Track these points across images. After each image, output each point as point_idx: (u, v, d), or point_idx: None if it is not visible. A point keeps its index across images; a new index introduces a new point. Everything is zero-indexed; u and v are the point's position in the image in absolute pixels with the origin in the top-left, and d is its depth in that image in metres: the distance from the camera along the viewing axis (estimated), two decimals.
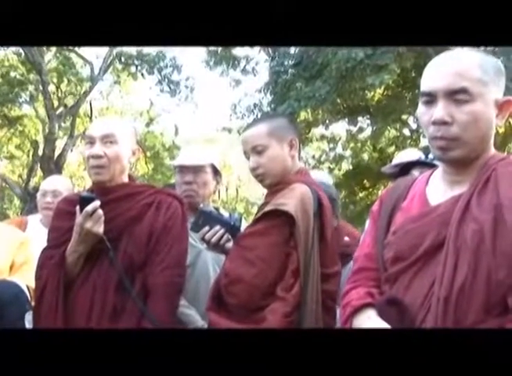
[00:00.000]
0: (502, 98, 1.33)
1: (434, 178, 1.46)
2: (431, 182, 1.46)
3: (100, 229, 1.96)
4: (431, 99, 1.31)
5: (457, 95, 1.27)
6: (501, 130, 11.80)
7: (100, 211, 1.96)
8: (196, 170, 2.53)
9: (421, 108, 1.36)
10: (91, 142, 2.03)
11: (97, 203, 1.95)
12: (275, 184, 1.95)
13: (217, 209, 2.69)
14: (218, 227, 2.00)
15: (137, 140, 2.21)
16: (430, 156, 2.32)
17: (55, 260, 2.02)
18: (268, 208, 1.84)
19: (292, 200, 1.80)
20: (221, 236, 2.00)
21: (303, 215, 1.78)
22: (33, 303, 2.22)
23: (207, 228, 2.01)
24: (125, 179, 2.13)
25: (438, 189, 1.41)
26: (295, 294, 1.73)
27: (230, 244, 2.00)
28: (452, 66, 1.30)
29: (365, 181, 14.87)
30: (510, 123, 11.32)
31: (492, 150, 1.38)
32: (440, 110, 1.28)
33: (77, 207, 1.97)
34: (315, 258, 1.80)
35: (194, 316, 2.26)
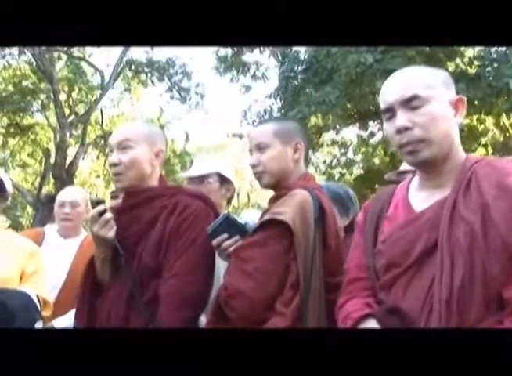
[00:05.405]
0: (455, 97, 1.44)
1: (414, 185, 1.53)
2: (412, 190, 1.53)
3: (109, 233, 1.92)
4: (391, 113, 1.43)
5: (411, 103, 1.38)
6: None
7: (108, 215, 1.93)
8: (201, 180, 2.57)
9: (385, 125, 1.47)
10: (111, 150, 2.04)
11: (102, 206, 1.93)
12: (273, 185, 1.92)
13: None
14: (237, 237, 1.90)
15: (160, 141, 2.13)
16: None
17: (86, 267, 2.07)
18: (265, 218, 1.78)
19: (290, 208, 1.74)
20: None
21: (302, 224, 1.72)
22: (43, 313, 2.23)
23: (225, 235, 1.90)
24: (153, 183, 2.08)
25: (420, 195, 1.48)
26: (294, 308, 1.67)
27: None
28: (400, 80, 1.44)
29: (376, 185, 14.79)
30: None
31: (463, 153, 1.46)
32: (400, 119, 1.39)
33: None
34: (318, 267, 1.74)
35: None
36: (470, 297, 1.26)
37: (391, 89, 1.44)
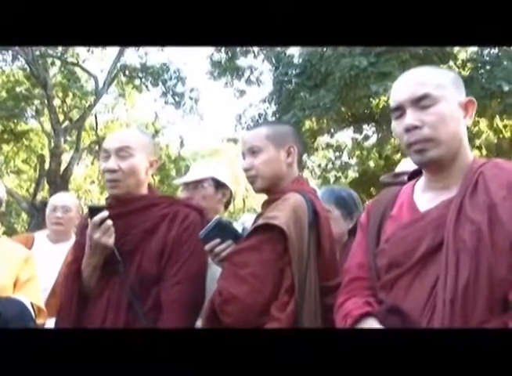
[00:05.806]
0: (465, 98, 1.44)
1: (419, 186, 1.53)
2: (417, 191, 1.52)
3: (109, 240, 1.90)
4: (401, 112, 1.43)
5: (422, 102, 1.38)
6: (507, 134, 11.77)
7: (109, 222, 1.91)
8: (195, 186, 2.56)
9: (394, 123, 1.46)
10: (106, 155, 2.00)
11: (105, 213, 1.91)
12: (266, 189, 1.90)
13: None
14: (230, 241, 1.87)
15: (155, 151, 2.16)
16: None
17: (71, 275, 2.03)
18: (259, 222, 1.77)
19: (284, 212, 1.72)
20: None
21: (296, 228, 1.70)
22: (37, 320, 2.21)
23: (217, 240, 1.87)
24: (144, 191, 2.08)
25: (425, 196, 1.47)
26: (290, 313, 1.65)
27: None
28: (412, 79, 1.44)
29: (371, 188, 14.83)
30: None
31: (471, 155, 1.45)
32: (409, 117, 1.39)
33: (88, 219, 1.94)
34: (312, 271, 1.72)
35: None
36: (474, 298, 1.24)
37: (402, 88, 1.44)
